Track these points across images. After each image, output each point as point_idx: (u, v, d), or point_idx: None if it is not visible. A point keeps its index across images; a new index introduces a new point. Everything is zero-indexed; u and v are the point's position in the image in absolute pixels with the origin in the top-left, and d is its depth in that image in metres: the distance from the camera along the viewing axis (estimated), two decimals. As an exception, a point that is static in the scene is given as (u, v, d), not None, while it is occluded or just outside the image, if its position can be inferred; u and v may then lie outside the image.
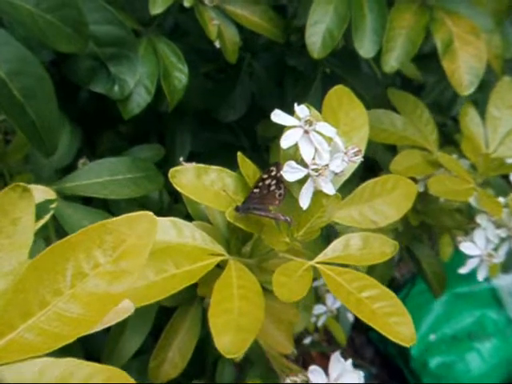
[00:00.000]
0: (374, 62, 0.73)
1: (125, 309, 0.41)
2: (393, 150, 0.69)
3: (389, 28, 0.54)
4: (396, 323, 0.44)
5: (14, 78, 0.42)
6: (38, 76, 0.43)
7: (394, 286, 1.58)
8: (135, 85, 0.51)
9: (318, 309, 0.91)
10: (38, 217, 0.45)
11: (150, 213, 0.33)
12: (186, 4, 0.53)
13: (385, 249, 0.50)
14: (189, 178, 0.48)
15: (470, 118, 0.66)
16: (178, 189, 0.47)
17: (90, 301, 0.32)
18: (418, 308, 1.45)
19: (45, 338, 0.31)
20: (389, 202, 0.54)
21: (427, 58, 1.13)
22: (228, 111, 0.67)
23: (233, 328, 0.42)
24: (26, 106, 0.43)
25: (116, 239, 0.32)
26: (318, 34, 0.54)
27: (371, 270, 0.76)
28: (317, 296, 0.91)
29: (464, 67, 0.54)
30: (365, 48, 0.54)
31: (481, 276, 0.63)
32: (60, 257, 0.32)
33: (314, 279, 0.91)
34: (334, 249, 0.50)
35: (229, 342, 0.41)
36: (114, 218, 0.33)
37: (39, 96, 0.43)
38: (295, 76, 0.67)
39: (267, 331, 0.56)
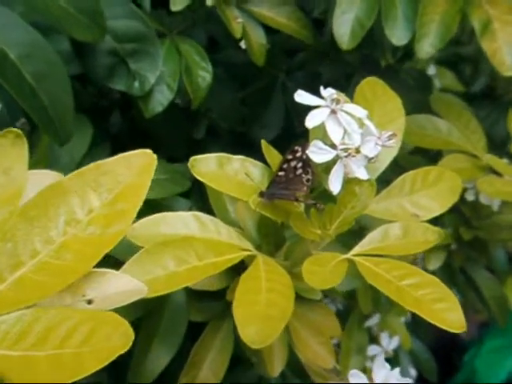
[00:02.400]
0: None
1: (138, 291, 0.38)
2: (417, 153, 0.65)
3: (421, 13, 0.51)
4: (443, 309, 0.39)
5: (25, 61, 0.41)
6: (49, 61, 0.42)
7: (460, 345, 1.49)
8: (156, 82, 0.49)
9: (373, 350, 0.84)
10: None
11: (148, 150, 0.30)
12: (209, 3, 0.52)
13: (428, 236, 0.45)
14: (210, 167, 0.45)
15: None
16: (198, 177, 0.45)
17: (82, 247, 0.29)
18: (491, 367, 1.36)
19: (34, 289, 0.28)
20: (432, 195, 0.50)
21: (477, 96, 1.11)
22: (261, 131, 0.65)
23: (259, 318, 0.38)
24: (37, 90, 0.41)
25: (112, 181, 0.30)
26: (346, 23, 0.51)
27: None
28: (370, 337, 0.86)
29: (505, 47, 0.50)
30: (397, 35, 0.52)
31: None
32: (51, 203, 0.29)
33: (366, 317, 0.87)
34: (370, 240, 0.46)
35: (254, 333, 0.37)
36: (110, 158, 0.30)
37: (51, 81, 0.42)
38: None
39: (306, 344, 0.51)
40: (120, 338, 0.25)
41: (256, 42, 0.56)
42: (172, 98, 0.52)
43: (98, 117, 0.62)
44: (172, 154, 0.70)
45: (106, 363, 0.25)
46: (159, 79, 0.50)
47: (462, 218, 0.66)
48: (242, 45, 0.57)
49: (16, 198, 0.30)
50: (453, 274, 0.69)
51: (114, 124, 0.66)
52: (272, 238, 0.50)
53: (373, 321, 0.86)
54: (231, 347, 0.53)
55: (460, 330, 0.38)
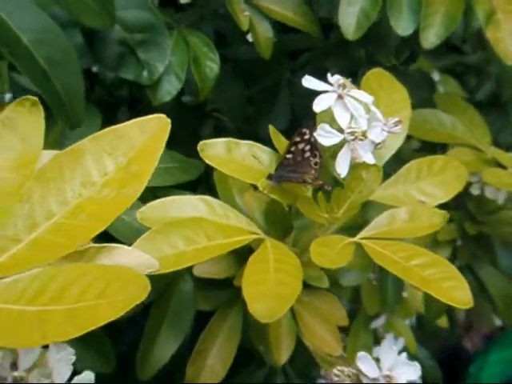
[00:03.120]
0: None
1: (149, 265, 0.38)
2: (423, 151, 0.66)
3: (426, 4, 0.52)
4: (451, 287, 0.40)
5: (38, 45, 0.42)
6: (62, 47, 0.43)
7: (465, 356, 1.48)
8: (165, 71, 0.50)
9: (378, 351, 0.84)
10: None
11: (162, 115, 0.31)
12: (216, -5, 0.53)
13: (434, 220, 0.46)
14: (218, 151, 0.46)
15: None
16: (207, 161, 0.45)
17: (97, 209, 0.29)
18: (496, 379, 1.35)
19: (50, 249, 0.28)
20: (437, 183, 0.50)
21: (482, 103, 1.11)
22: (268, 127, 0.66)
23: (269, 296, 0.39)
24: (50, 74, 0.42)
25: (127, 145, 0.30)
26: (352, 14, 0.52)
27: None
28: (376, 338, 0.86)
29: (509, 36, 0.51)
30: (402, 26, 0.53)
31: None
32: (67, 166, 0.30)
33: (372, 318, 0.87)
34: (377, 224, 0.47)
35: (264, 309, 0.38)
36: (125, 123, 0.31)
37: (64, 66, 0.43)
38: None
39: (313, 331, 0.52)
40: (136, 290, 0.25)
41: (263, 35, 0.57)
42: (180, 88, 0.52)
43: (106, 113, 0.63)
44: (179, 151, 0.71)
45: (122, 313, 0.25)
46: (167, 69, 0.51)
47: (468, 213, 0.66)
48: (249, 38, 0.58)
49: (32, 163, 0.30)
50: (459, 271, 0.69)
51: (122, 121, 0.66)
52: (280, 225, 0.50)
53: (378, 322, 0.86)
54: (238, 336, 0.53)
55: (467, 306, 0.39)
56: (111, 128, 0.30)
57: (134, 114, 0.70)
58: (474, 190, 0.64)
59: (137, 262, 0.37)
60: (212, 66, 0.53)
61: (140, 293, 0.25)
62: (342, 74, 0.49)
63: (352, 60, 0.76)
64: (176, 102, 0.75)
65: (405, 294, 0.86)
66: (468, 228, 0.65)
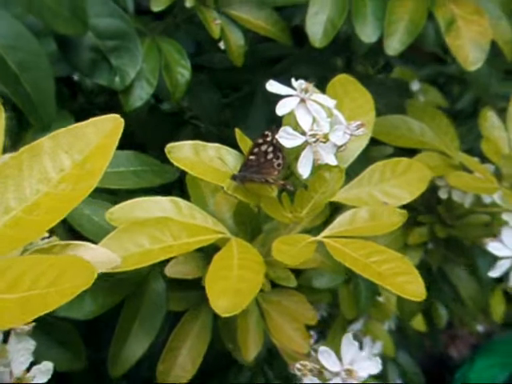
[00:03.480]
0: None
1: (112, 261, 0.40)
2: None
3: (390, 12, 0.54)
4: (405, 282, 0.41)
5: (10, 51, 0.43)
6: (33, 51, 0.44)
7: (451, 364, 1.49)
8: (137, 77, 0.52)
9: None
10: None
11: (117, 115, 0.32)
12: (188, 4, 0.55)
13: (394, 218, 0.47)
14: (186, 153, 0.47)
15: (490, 122, 0.65)
16: (174, 162, 0.47)
17: (53, 203, 0.31)
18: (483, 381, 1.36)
19: (8, 241, 0.30)
20: (401, 184, 0.52)
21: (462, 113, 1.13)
22: (245, 133, 0.67)
23: (230, 292, 0.40)
24: (21, 79, 0.44)
25: (83, 143, 0.32)
26: (319, 23, 0.54)
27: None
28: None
29: (469, 44, 0.53)
30: (366, 33, 0.55)
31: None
32: (25, 164, 0.31)
33: (350, 322, 0.88)
34: (340, 223, 0.48)
35: (226, 304, 0.39)
36: (82, 122, 0.32)
37: (35, 70, 0.44)
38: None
39: (282, 330, 0.53)
40: (83, 277, 0.27)
41: (234, 43, 0.58)
42: (151, 93, 0.54)
43: (82, 118, 0.64)
44: (157, 157, 0.72)
45: (70, 299, 0.27)
46: (139, 75, 0.52)
47: (438, 217, 0.68)
48: (221, 46, 0.60)
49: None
50: (429, 273, 0.71)
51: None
52: (248, 226, 0.51)
53: (356, 326, 0.87)
54: (209, 335, 0.54)
55: (419, 298, 0.40)
56: (69, 127, 0.32)
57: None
58: (442, 194, 0.65)
59: (100, 258, 0.39)
60: (183, 72, 0.55)
61: (86, 280, 0.27)
62: (319, 81, 0.51)
63: (329, 68, 0.78)
64: (154, 110, 0.77)
65: (380, 299, 0.88)
66: (438, 231, 0.67)
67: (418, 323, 0.97)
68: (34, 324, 0.37)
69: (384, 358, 0.90)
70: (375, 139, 0.65)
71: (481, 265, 0.75)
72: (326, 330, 0.84)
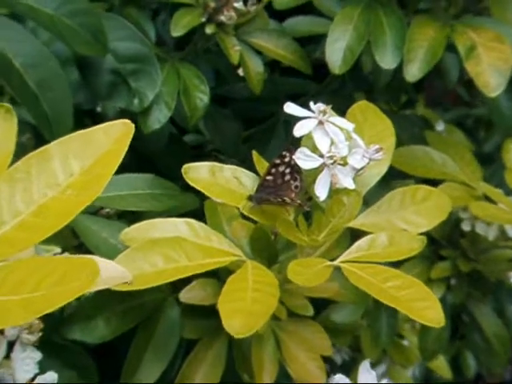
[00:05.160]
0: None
1: (123, 277, 0.39)
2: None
3: (409, 39, 0.54)
4: (423, 307, 0.40)
5: (29, 69, 0.44)
6: (53, 71, 0.45)
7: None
8: (155, 100, 0.52)
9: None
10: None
11: (127, 120, 0.32)
12: (208, 31, 0.55)
13: (412, 244, 0.46)
14: (202, 174, 0.47)
15: (515, 153, 0.64)
16: (190, 183, 0.46)
17: (60, 207, 0.31)
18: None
19: (15, 243, 0.30)
20: (420, 212, 0.51)
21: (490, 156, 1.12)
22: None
23: (244, 313, 0.39)
24: (40, 97, 0.44)
25: (92, 148, 0.32)
26: (338, 50, 0.54)
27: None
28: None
29: (489, 69, 0.52)
30: (386, 61, 0.54)
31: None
32: (34, 168, 0.31)
33: (373, 366, 0.86)
34: (358, 248, 0.47)
35: (238, 325, 0.38)
36: (92, 128, 0.32)
37: (54, 90, 0.45)
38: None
39: (297, 359, 0.52)
40: (87, 277, 0.26)
41: (253, 70, 0.59)
42: (169, 117, 0.54)
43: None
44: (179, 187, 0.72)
45: (74, 298, 0.26)
46: (158, 98, 0.53)
47: (461, 251, 0.67)
48: (240, 72, 0.60)
49: (3, 166, 0.32)
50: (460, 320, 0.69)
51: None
52: (265, 252, 0.51)
53: (378, 370, 0.85)
54: (223, 365, 0.53)
55: (438, 324, 0.39)
56: (79, 132, 0.32)
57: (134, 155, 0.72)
58: (465, 226, 0.64)
59: (111, 273, 0.38)
60: (202, 97, 0.55)
61: (90, 279, 0.26)
62: (340, 115, 0.51)
63: (350, 102, 0.78)
64: (177, 141, 0.77)
65: (405, 342, 0.86)
66: (461, 266, 0.65)
67: (444, 370, 0.94)
68: (40, 335, 0.36)
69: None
70: (396, 172, 0.64)
71: (507, 303, 0.74)
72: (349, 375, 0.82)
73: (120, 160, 0.31)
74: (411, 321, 0.82)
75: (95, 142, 0.32)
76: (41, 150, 0.32)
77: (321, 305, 0.65)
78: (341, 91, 0.74)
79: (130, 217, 0.56)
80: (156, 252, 0.43)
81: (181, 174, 0.48)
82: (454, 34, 0.55)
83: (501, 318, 0.73)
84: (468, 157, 0.65)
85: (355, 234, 0.52)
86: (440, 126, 1.05)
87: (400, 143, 0.60)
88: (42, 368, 0.41)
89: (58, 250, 0.43)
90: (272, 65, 0.75)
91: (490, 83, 0.53)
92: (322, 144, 0.46)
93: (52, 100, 0.45)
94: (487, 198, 0.61)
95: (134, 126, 0.32)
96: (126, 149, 0.31)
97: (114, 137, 0.32)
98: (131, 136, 0.32)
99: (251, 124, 0.76)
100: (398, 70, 0.57)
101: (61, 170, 0.31)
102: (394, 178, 0.63)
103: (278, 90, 0.74)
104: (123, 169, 0.69)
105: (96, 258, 0.38)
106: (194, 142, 0.82)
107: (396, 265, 0.46)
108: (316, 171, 0.46)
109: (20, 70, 0.44)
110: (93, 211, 0.53)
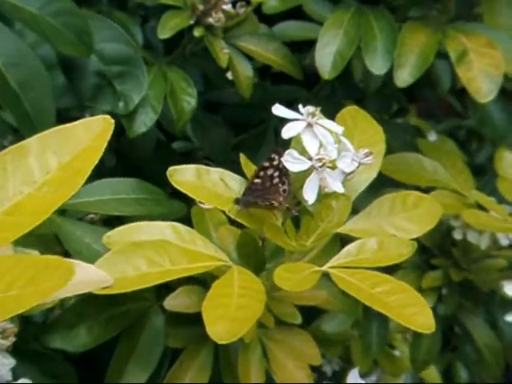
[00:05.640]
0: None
1: (104, 281, 0.38)
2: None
3: (400, 44, 0.53)
4: (413, 313, 0.39)
5: (11, 69, 0.43)
6: (34, 70, 0.44)
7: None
8: (141, 103, 0.51)
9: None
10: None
11: (107, 116, 0.31)
12: (196, 33, 0.55)
13: (402, 249, 0.45)
14: (188, 177, 0.46)
15: (506, 162, 0.63)
16: (175, 185, 0.45)
17: (36, 204, 0.29)
18: None
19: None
20: (410, 218, 0.50)
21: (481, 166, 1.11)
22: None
23: (228, 318, 0.38)
24: (21, 97, 0.43)
25: (71, 144, 0.30)
26: (328, 55, 0.54)
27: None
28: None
29: (480, 75, 0.52)
30: (376, 65, 0.54)
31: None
32: (10, 165, 0.30)
33: (364, 376, 0.84)
34: (347, 253, 0.46)
35: (222, 331, 0.37)
36: (72, 123, 0.31)
37: (35, 89, 0.44)
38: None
39: (284, 368, 0.50)
40: (60, 277, 0.25)
41: (242, 73, 0.58)
42: (155, 120, 0.53)
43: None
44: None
45: (46, 298, 0.25)
46: (144, 101, 0.52)
47: (453, 261, 0.66)
48: (229, 76, 0.59)
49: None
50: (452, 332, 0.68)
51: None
52: (252, 259, 0.49)
53: (370, 380, 0.84)
54: (208, 374, 0.52)
55: (428, 330, 0.38)
56: (58, 127, 0.30)
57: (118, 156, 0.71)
58: (457, 235, 0.63)
59: (91, 277, 0.37)
60: (189, 100, 0.54)
61: (64, 280, 0.25)
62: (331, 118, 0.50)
63: (340, 109, 0.77)
64: (165, 148, 0.76)
65: (396, 352, 0.84)
66: (453, 275, 0.64)
67: (435, 380, 0.93)
68: (14, 340, 0.35)
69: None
70: (387, 180, 0.63)
71: (499, 314, 0.73)
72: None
73: (99, 156, 0.30)
74: (403, 332, 0.81)
75: (75, 138, 0.30)
76: (17, 146, 0.31)
77: (311, 315, 0.64)
78: (331, 98, 0.73)
79: (116, 223, 0.55)
80: (139, 255, 0.42)
81: (168, 181, 0.47)
82: (445, 39, 0.54)
83: (493, 330, 0.72)
84: (460, 165, 0.64)
85: (345, 241, 0.51)
86: (432, 137, 1.05)
87: (391, 151, 0.59)
88: (20, 376, 0.40)
89: (36, 252, 0.41)
90: (263, 71, 0.75)
91: (482, 89, 0.52)
92: (311, 146, 0.45)
93: (33, 99, 0.44)
94: (479, 207, 0.60)
95: (113, 122, 0.30)
96: (106, 144, 0.30)
97: (94, 132, 0.30)
98: (111, 132, 0.31)
99: (241, 130, 0.75)
100: (389, 77, 0.57)
101: (37, 167, 0.30)
102: (384, 186, 0.62)
103: (268, 97, 0.73)
104: (110, 175, 0.68)
105: (76, 261, 0.37)
106: (183, 149, 0.81)
107: (387, 273, 0.45)
108: (304, 175, 0.45)
109: (1, 68, 0.43)
110: (77, 217, 0.52)
